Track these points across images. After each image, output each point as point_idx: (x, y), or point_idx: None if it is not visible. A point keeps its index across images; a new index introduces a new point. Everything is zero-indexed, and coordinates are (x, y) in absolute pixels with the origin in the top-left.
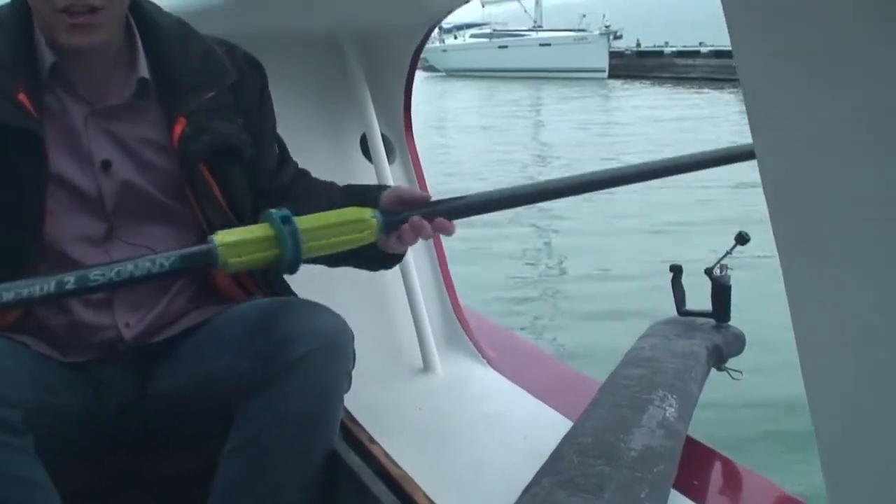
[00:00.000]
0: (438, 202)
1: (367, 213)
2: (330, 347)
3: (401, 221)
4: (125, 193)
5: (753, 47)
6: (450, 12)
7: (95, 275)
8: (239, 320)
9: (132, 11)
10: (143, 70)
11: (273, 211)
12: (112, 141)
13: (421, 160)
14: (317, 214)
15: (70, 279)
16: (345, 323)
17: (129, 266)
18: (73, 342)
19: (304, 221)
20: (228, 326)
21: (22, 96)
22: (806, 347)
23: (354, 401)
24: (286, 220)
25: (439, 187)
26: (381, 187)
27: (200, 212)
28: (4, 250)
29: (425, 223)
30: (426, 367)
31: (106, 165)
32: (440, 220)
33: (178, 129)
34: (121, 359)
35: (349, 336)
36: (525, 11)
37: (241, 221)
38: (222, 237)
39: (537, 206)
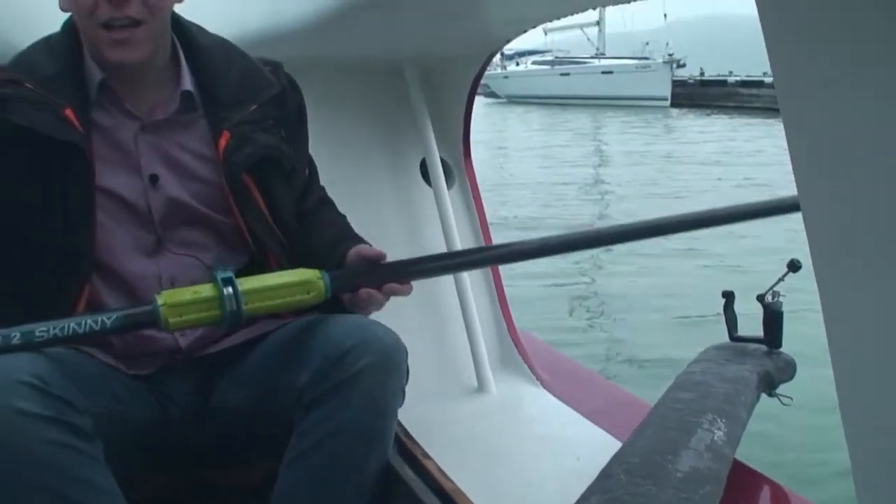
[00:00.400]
0: (395, 263)
1: (314, 275)
2: (385, 363)
3: (349, 288)
4: (172, 206)
5: (799, 98)
6: (510, 40)
7: (41, 331)
8: (298, 336)
9: (175, 31)
10: (188, 84)
11: (218, 273)
12: (160, 155)
13: (479, 185)
14: (263, 276)
15: (16, 334)
16: (399, 340)
17: (73, 324)
18: (134, 353)
19: (247, 282)
20: (288, 342)
21: (68, 112)
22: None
23: (409, 417)
24: (228, 283)
25: (494, 212)
26: (355, 242)
27: (244, 222)
28: (57, 261)
29: (373, 292)
30: (480, 386)
31: (154, 179)
32: (391, 284)
33: (222, 142)
34: (182, 370)
35: (403, 353)
36: (588, 39)
37: (285, 232)
38: (166, 297)
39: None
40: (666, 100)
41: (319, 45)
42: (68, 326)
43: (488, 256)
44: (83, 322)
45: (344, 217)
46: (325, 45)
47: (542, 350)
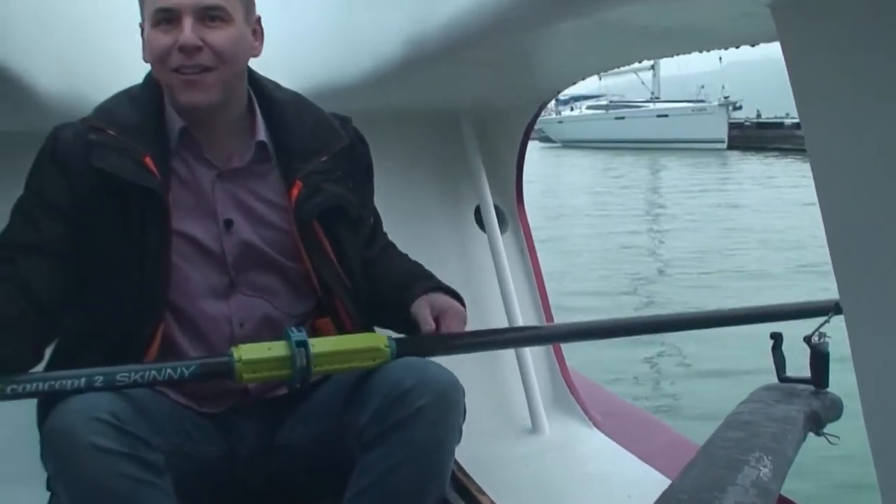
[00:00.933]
0: (459, 334)
1: (382, 342)
2: (443, 402)
3: (414, 354)
4: (244, 250)
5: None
6: (561, 91)
7: (122, 376)
8: (359, 377)
9: (252, 85)
10: (262, 134)
11: (292, 334)
12: (234, 201)
13: (532, 231)
14: (334, 339)
15: (99, 377)
16: (456, 379)
17: (153, 370)
18: (205, 393)
19: (319, 345)
20: (349, 383)
21: (148, 159)
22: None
23: (465, 454)
24: (301, 345)
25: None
26: (428, 285)
27: (313, 267)
28: (133, 301)
29: None
30: (534, 426)
31: (228, 224)
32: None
33: (294, 191)
34: (250, 410)
35: (461, 392)
36: (642, 83)
37: (351, 277)
38: (242, 352)
39: (646, 261)
40: (723, 142)
41: (380, 97)
42: (148, 373)
43: (550, 334)
44: (163, 369)
45: (406, 257)
46: (384, 97)
47: (594, 390)
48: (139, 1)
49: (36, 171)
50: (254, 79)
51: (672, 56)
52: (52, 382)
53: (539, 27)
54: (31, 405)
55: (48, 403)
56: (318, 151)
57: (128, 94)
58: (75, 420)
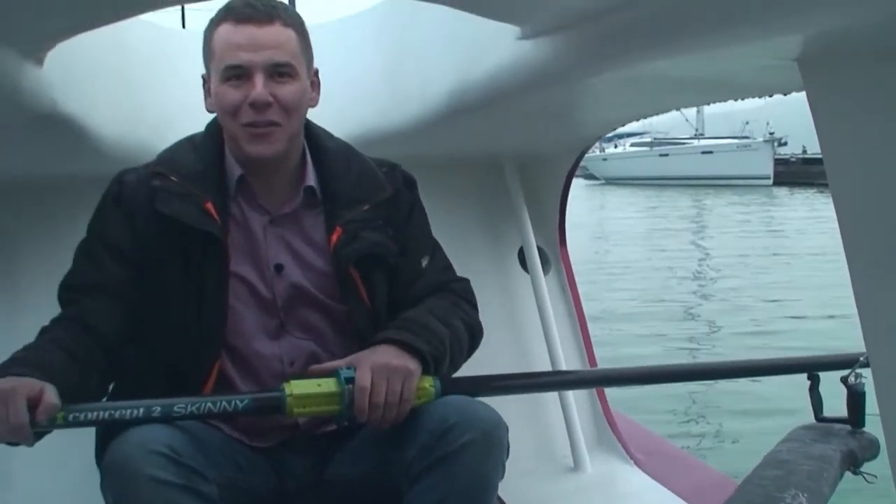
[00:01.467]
0: (503, 376)
1: (427, 381)
2: (487, 439)
3: (459, 393)
4: (293, 292)
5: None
6: (602, 136)
7: (179, 407)
8: (406, 416)
9: (305, 132)
10: (311, 180)
11: (341, 371)
12: (284, 246)
13: (575, 272)
14: None
15: (157, 408)
16: (500, 417)
17: (208, 403)
18: (257, 428)
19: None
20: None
21: (209, 205)
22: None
23: (508, 491)
24: (349, 381)
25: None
26: (381, 336)
27: (347, 310)
28: (192, 340)
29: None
30: (576, 465)
31: (279, 268)
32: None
33: (334, 237)
34: (299, 445)
35: (504, 429)
36: (686, 120)
37: (380, 320)
38: (293, 387)
39: (688, 302)
40: (768, 179)
41: (425, 143)
42: (204, 405)
43: (592, 378)
44: (218, 402)
45: (438, 302)
46: (430, 144)
47: (635, 428)
48: (204, 54)
49: (100, 214)
50: (308, 126)
51: (707, 104)
52: (112, 411)
53: (577, 80)
54: (90, 439)
55: (107, 436)
56: (361, 200)
57: (191, 142)
58: (134, 452)
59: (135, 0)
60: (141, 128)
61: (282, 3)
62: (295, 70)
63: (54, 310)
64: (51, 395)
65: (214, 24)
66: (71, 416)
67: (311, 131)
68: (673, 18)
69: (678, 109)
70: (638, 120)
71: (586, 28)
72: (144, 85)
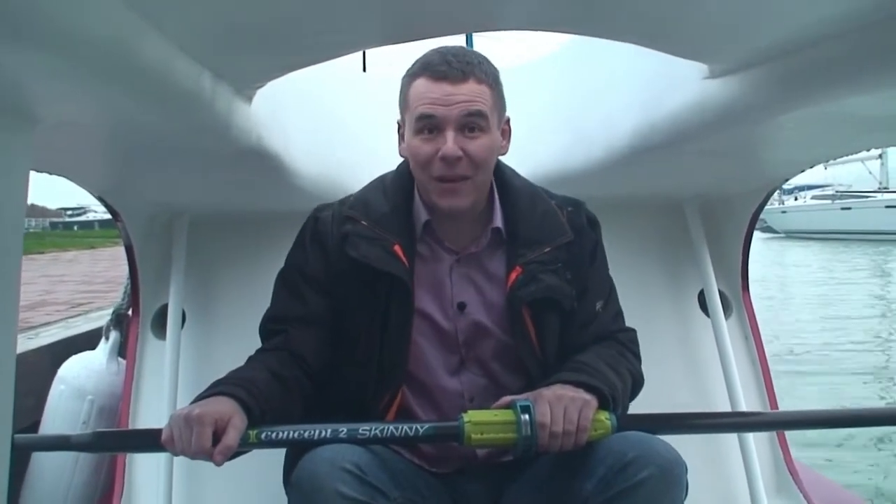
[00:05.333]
0: (681, 415)
1: (603, 416)
2: (666, 476)
3: (633, 429)
4: (474, 330)
5: None
6: (788, 179)
7: (364, 429)
8: (583, 449)
9: (494, 172)
10: (498, 221)
11: (518, 401)
12: (468, 284)
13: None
14: None
15: (343, 429)
16: (679, 456)
17: (391, 427)
18: (437, 457)
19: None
20: (573, 453)
21: (397, 248)
22: None
23: None
24: (525, 411)
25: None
26: (557, 378)
27: (515, 346)
28: (375, 372)
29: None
30: None
31: (462, 306)
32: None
33: (512, 276)
34: (477, 473)
35: (683, 468)
36: (869, 172)
37: (547, 362)
38: (471, 416)
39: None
40: None
41: (607, 185)
42: (387, 429)
43: (774, 421)
44: (400, 428)
45: (609, 351)
46: (612, 185)
47: (817, 479)
48: (400, 103)
49: (299, 248)
50: (497, 166)
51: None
52: (301, 432)
53: (765, 119)
54: (279, 461)
55: (295, 458)
56: (542, 242)
57: (382, 184)
58: (323, 468)
59: (344, 41)
60: (333, 166)
61: (476, 57)
62: (487, 123)
63: (248, 337)
64: (238, 420)
65: (411, 76)
66: (263, 436)
67: (499, 170)
68: (870, 52)
69: (870, 150)
70: (828, 161)
71: (776, 65)
72: (335, 125)
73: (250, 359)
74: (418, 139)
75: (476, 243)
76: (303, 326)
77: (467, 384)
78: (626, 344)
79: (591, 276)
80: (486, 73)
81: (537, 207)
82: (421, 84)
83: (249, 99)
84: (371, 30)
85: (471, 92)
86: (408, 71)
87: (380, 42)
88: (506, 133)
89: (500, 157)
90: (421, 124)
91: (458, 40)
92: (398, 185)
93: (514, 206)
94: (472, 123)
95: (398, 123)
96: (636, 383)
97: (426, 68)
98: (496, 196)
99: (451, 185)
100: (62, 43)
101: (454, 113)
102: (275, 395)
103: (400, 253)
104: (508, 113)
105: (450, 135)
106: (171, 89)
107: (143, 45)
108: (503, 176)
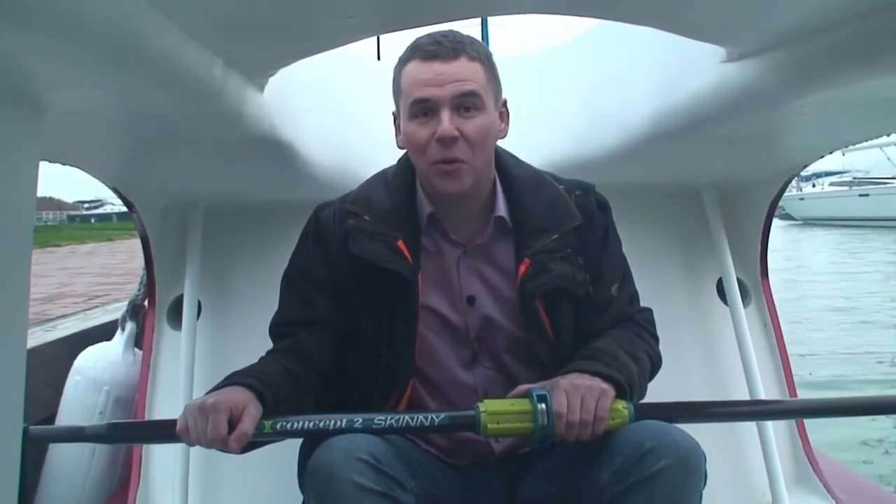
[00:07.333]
0: (698, 403)
1: (621, 405)
2: (684, 465)
3: (651, 418)
4: (485, 324)
5: None
6: (807, 165)
7: (379, 419)
8: (600, 439)
9: (495, 162)
10: (501, 210)
11: (534, 391)
12: (476, 277)
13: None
14: None
15: (359, 419)
16: (698, 445)
17: (406, 417)
18: (453, 449)
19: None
20: (590, 443)
21: (400, 243)
22: None
23: None
24: (542, 400)
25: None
26: (571, 367)
27: (529, 339)
28: (384, 367)
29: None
30: (775, 501)
31: (471, 300)
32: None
33: (521, 268)
34: (493, 465)
35: (702, 457)
36: (888, 159)
37: (563, 351)
38: (487, 405)
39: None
40: None
41: (623, 171)
42: (402, 419)
43: (794, 409)
44: (415, 417)
45: (625, 336)
46: (628, 172)
47: (837, 468)
48: (394, 93)
49: (302, 251)
50: (497, 155)
51: None
52: (317, 422)
53: (784, 104)
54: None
55: (310, 448)
56: (549, 230)
57: (383, 179)
58: (338, 458)
59: (356, 26)
60: (346, 156)
61: (468, 38)
62: (482, 102)
63: (263, 327)
64: (253, 409)
65: (402, 62)
66: (279, 426)
67: (501, 159)
68: (890, 34)
69: (890, 135)
70: (848, 146)
71: (794, 47)
72: (347, 114)
73: (262, 359)
74: (414, 124)
75: (481, 234)
76: (311, 329)
77: (480, 378)
78: (643, 325)
79: (604, 260)
80: (477, 52)
81: (543, 195)
82: (412, 67)
83: (261, 87)
84: (384, 14)
85: (463, 69)
86: (399, 58)
87: (393, 27)
88: (504, 116)
89: (515, 147)
90: (416, 108)
91: (473, 29)
92: (400, 179)
93: (517, 195)
94: (467, 103)
95: (393, 115)
96: (654, 365)
97: (416, 50)
98: (499, 185)
99: (449, 168)
100: (69, 27)
101: (448, 92)
102: (288, 388)
103: (403, 248)
104: (525, 100)
105: (445, 115)
106: (182, 77)
107: (152, 31)
108: (504, 165)
